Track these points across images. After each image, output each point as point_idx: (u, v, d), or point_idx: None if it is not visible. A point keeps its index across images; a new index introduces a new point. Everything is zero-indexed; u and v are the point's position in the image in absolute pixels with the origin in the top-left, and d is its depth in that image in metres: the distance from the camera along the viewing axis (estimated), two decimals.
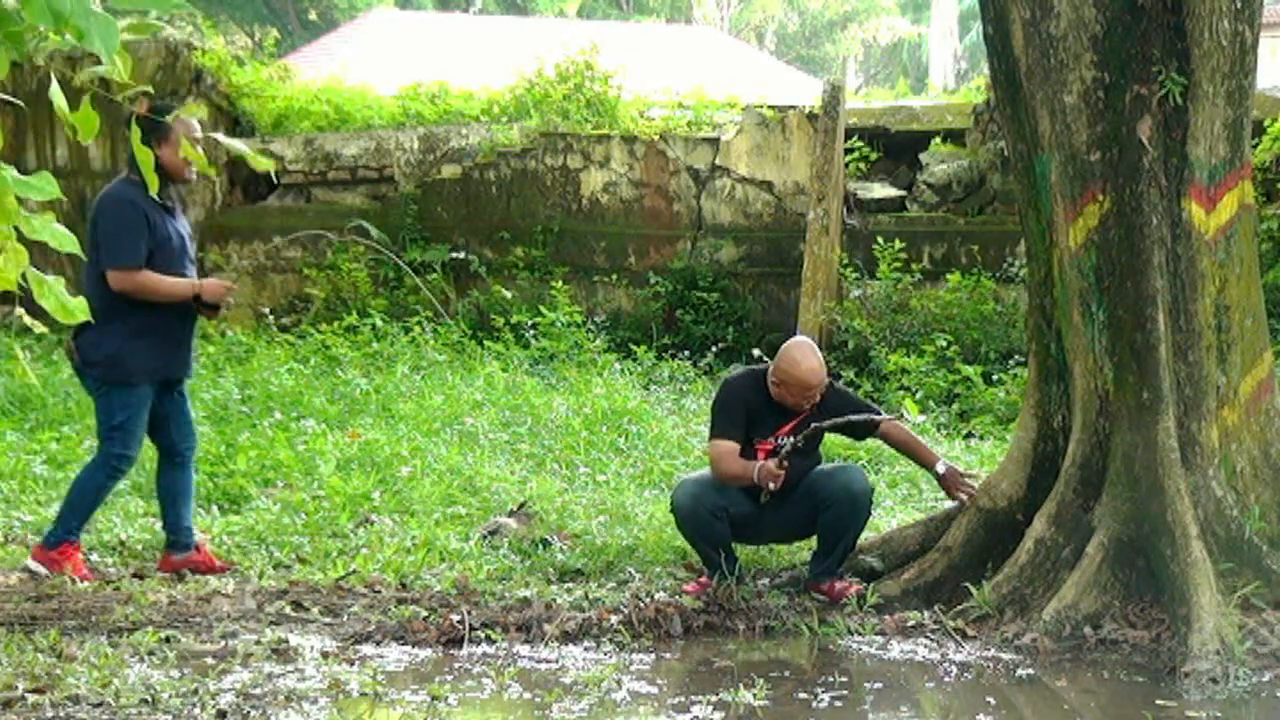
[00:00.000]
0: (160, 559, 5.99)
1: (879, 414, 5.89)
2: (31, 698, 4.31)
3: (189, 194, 12.16)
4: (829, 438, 6.21)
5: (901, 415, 5.78)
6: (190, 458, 6.01)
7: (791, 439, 5.61)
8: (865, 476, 5.84)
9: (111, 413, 5.73)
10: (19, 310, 4.08)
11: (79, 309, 3.42)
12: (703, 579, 5.74)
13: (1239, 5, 5.29)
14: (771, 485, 5.52)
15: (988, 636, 5.22)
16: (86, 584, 5.68)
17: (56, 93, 3.39)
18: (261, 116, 13.00)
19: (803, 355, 5.66)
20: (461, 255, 11.98)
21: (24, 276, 3.46)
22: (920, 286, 10.82)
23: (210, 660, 4.79)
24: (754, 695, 4.62)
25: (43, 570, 5.71)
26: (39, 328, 4.22)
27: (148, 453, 6.09)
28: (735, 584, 5.61)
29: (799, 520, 5.75)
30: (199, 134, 5.75)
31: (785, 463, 5.52)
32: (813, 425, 5.64)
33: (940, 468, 5.83)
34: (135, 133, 3.60)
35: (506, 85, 13.12)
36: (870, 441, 6.75)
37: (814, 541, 5.84)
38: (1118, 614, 5.20)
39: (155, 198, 5.61)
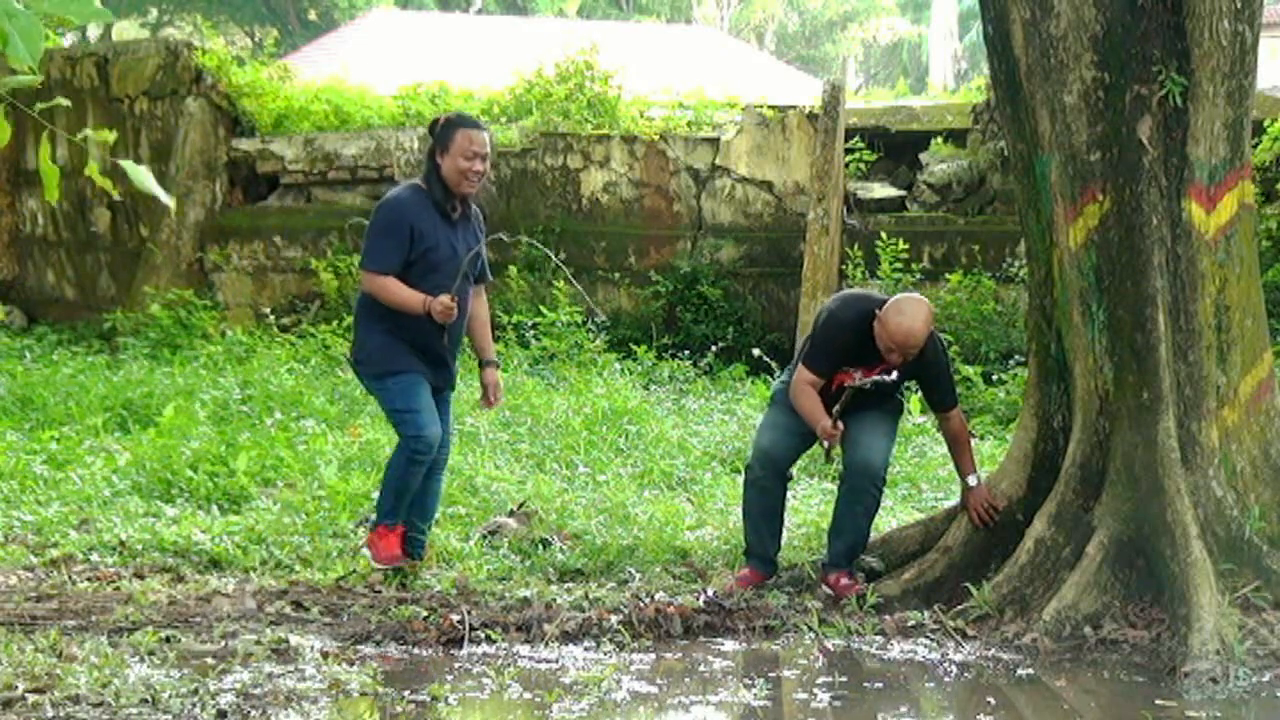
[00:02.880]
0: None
1: (954, 400, 5.86)
2: (31, 698, 4.32)
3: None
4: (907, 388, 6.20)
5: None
6: (442, 465, 5.93)
7: (855, 384, 5.58)
8: (888, 453, 5.77)
9: (390, 399, 5.72)
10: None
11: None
12: (745, 571, 5.78)
13: (1239, 5, 5.29)
14: (826, 444, 5.60)
15: (988, 636, 5.22)
16: (90, 583, 5.68)
17: None
18: (261, 116, 13.00)
19: (910, 315, 5.48)
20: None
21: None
22: (920, 286, 10.81)
23: (210, 660, 4.79)
24: (754, 695, 4.62)
25: (368, 554, 5.80)
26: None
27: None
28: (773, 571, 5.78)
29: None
30: (483, 149, 5.63)
31: (839, 424, 5.54)
32: (860, 381, 5.58)
33: (972, 480, 5.75)
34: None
35: (506, 85, 13.12)
36: None
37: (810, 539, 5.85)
38: (1118, 614, 5.20)
39: (438, 206, 5.64)
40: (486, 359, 6.02)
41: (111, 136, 3.36)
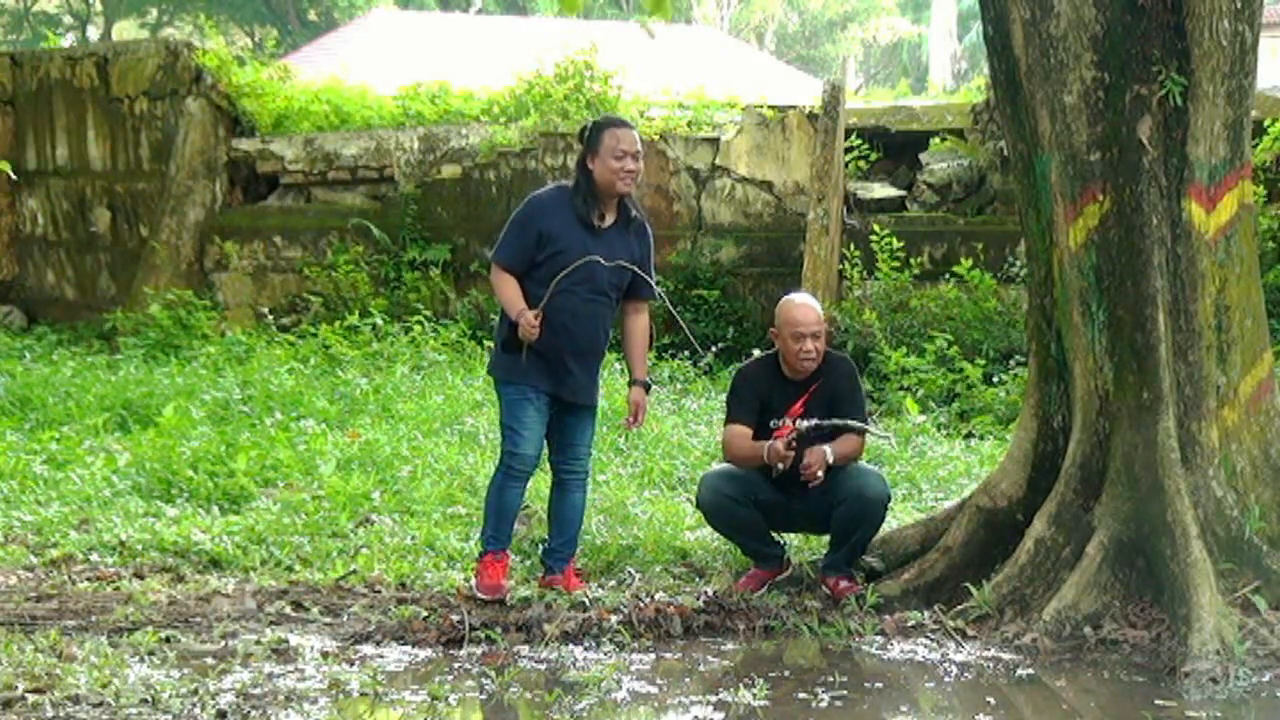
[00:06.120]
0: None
1: (869, 426, 5.81)
2: (31, 698, 4.32)
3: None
4: None
5: (865, 429, 5.72)
6: (570, 483, 5.75)
7: (804, 423, 5.56)
8: (884, 483, 5.76)
9: (500, 408, 5.67)
10: None
11: None
12: (753, 571, 5.77)
13: (1239, 5, 5.29)
14: (780, 465, 5.51)
15: (988, 636, 5.22)
16: (90, 583, 5.68)
17: None
18: (261, 116, 13.00)
19: (799, 298, 5.84)
20: None
21: None
22: (920, 286, 10.81)
23: (210, 660, 4.80)
24: (754, 695, 4.62)
25: (472, 583, 5.63)
26: None
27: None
28: (790, 566, 5.77)
29: (823, 512, 5.69)
30: (632, 147, 5.48)
31: (793, 444, 5.49)
32: (814, 422, 5.56)
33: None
34: None
35: (506, 85, 13.12)
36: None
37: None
38: (1118, 614, 5.20)
39: (578, 213, 5.51)
40: (634, 378, 5.83)
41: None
